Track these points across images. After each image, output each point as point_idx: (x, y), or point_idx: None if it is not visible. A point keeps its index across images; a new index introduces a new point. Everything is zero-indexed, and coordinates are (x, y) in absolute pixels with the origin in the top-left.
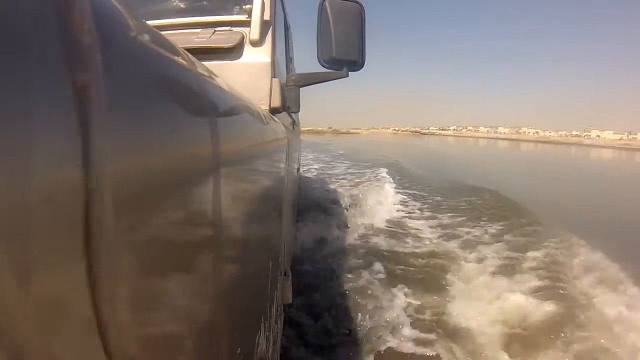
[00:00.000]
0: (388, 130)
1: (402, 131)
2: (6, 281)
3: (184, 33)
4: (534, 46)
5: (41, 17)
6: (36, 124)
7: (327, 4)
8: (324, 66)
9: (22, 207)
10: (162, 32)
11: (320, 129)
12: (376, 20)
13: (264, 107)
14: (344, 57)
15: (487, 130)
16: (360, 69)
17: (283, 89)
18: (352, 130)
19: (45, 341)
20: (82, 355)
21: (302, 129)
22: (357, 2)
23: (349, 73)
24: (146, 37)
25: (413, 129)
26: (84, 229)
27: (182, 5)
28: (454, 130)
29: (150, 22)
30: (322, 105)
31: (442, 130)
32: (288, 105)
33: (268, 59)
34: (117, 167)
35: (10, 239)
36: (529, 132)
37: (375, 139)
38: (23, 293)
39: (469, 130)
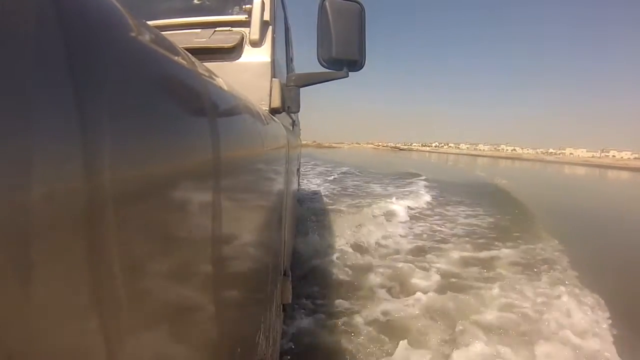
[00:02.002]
0: (370, 145)
1: (383, 147)
2: (6, 281)
3: (184, 33)
4: (513, 65)
5: (41, 17)
6: (36, 124)
7: (327, 3)
8: (323, 66)
9: (22, 207)
10: (162, 32)
11: (304, 142)
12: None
13: (264, 107)
14: (344, 57)
15: (467, 147)
16: (360, 69)
17: (283, 89)
18: (334, 145)
19: (46, 341)
20: (83, 355)
21: None
22: (357, 2)
23: (349, 73)
24: (146, 37)
25: (392, 145)
26: (84, 228)
27: (182, 6)
28: (435, 146)
29: (150, 22)
30: (306, 119)
31: (423, 146)
32: (288, 105)
33: (268, 59)
34: (117, 166)
35: (10, 239)
36: (507, 149)
37: (355, 153)
38: (23, 293)
39: (450, 146)
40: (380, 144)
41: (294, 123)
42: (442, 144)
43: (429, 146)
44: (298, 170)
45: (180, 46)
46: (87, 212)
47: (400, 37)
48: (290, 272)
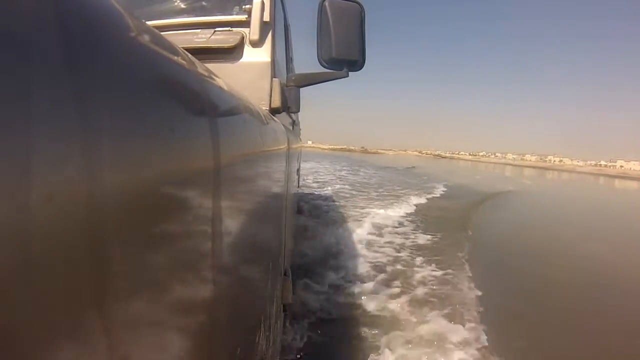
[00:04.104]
0: (415, 153)
1: (426, 154)
2: (7, 281)
3: (183, 33)
4: (565, 75)
5: (41, 17)
6: (36, 124)
7: (326, 4)
8: (324, 66)
9: (22, 207)
10: (162, 33)
11: (352, 147)
12: (403, 45)
13: (264, 107)
14: (344, 57)
15: (514, 158)
16: (360, 69)
17: (283, 89)
18: (380, 151)
19: (46, 341)
20: (83, 355)
21: (335, 147)
22: (357, 2)
23: (349, 73)
24: (146, 37)
25: (436, 153)
26: (84, 229)
27: (181, 6)
28: (482, 155)
29: (150, 23)
30: (354, 126)
31: (470, 155)
32: (288, 106)
33: (268, 59)
34: (117, 167)
35: (11, 239)
36: (554, 161)
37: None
38: (24, 293)
39: (497, 156)
40: (425, 152)
41: (294, 123)
42: (489, 154)
43: (475, 155)
44: (298, 170)
45: (180, 46)
46: (87, 212)
47: (451, 43)
48: (291, 272)
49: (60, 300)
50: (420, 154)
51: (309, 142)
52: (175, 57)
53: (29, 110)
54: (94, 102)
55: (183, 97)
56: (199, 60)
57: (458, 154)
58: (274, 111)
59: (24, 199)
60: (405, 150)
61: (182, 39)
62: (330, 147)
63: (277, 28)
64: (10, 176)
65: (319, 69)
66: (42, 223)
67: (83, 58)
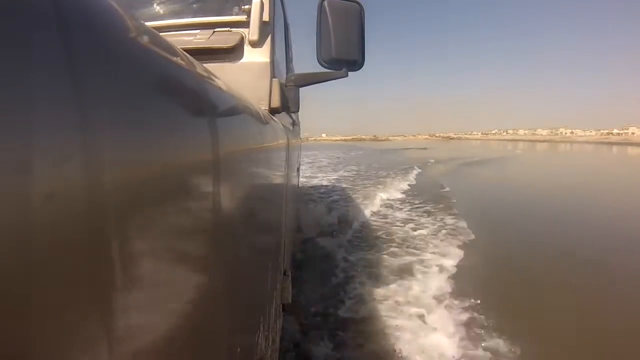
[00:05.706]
0: (425, 136)
1: (435, 137)
2: (7, 281)
3: (183, 34)
4: (575, 45)
5: (41, 17)
6: (36, 124)
7: (326, 4)
8: (323, 66)
9: (22, 207)
10: (161, 34)
11: (364, 137)
12: (410, 25)
13: (263, 107)
14: (344, 57)
15: (525, 133)
16: (359, 69)
17: (283, 89)
18: (390, 138)
19: (46, 341)
20: (83, 355)
21: (347, 137)
22: (357, 2)
23: (349, 73)
24: (145, 38)
25: (445, 135)
26: (84, 228)
27: (180, 7)
28: (494, 133)
29: (149, 24)
30: (365, 116)
31: (482, 134)
32: (288, 105)
33: (267, 59)
34: (116, 167)
35: (11, 239)
36: (566, 133)
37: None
38: (24, 293)
39: (509, 133)
40: (435, 135)
41: (294, 123)
42: (502, 131)
43: (485, 134)
44: (298, 169)
45: (179, 47)
46: (87, 212)
47: (450, 26)
48: (290, 272)
49: (60, 299)
50: (430, 137)
51: (323, 135)
52: (174, 58)
53: (29, 110)
54: (93, 102)
55: (183, 98)
56: (199, 60)
57: (470, 134)
58: (273, 111)
59: (24, 198)
60: (415, 135)
61: (182, 40)
62: (342, 138)
63: (276, 28)
64: (11, 175)
65: (319, 69)
66: (42, 222)
67: (83, 59)
